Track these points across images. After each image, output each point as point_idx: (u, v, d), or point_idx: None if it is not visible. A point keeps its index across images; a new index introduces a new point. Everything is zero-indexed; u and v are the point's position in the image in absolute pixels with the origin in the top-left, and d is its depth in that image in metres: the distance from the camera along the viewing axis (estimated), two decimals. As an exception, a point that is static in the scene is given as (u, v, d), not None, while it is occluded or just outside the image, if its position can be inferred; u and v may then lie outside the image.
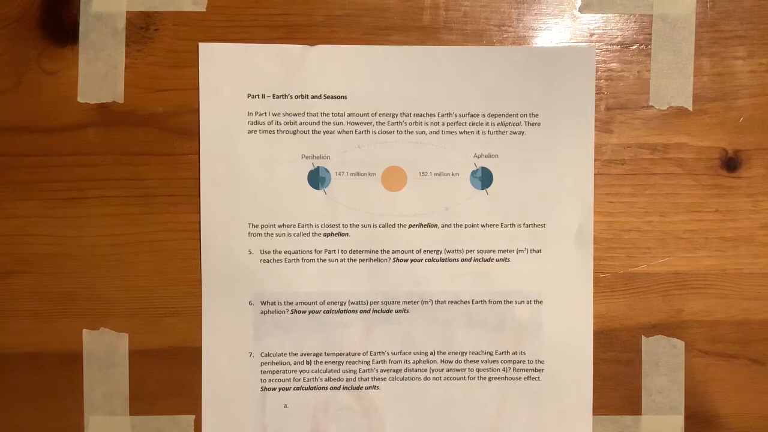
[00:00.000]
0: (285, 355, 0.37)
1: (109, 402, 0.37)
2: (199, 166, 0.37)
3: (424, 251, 0.37)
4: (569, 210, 0.37)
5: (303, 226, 0.37)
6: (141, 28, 0.36)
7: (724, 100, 0.37)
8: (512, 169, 0.37)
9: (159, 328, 0.37)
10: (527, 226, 0.37)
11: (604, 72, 0.37)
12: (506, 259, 0.37)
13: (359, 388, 0.38)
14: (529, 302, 0.37)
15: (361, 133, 0.37)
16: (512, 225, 0.37)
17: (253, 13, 0.37)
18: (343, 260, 0.37)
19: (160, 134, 0.37)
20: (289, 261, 0.37)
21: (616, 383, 0.38)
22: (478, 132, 0.37)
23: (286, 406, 0.37)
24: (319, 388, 0.38)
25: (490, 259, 0.37)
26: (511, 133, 0.37)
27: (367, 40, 0.37)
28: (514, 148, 0.37)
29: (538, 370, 0.38)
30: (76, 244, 0.37)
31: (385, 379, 0.38)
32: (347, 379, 0.38)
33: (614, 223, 0.38)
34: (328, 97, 0.37)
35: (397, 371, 0.38)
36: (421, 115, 0.37)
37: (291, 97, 0.37)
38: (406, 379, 0.38)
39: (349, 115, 0.37)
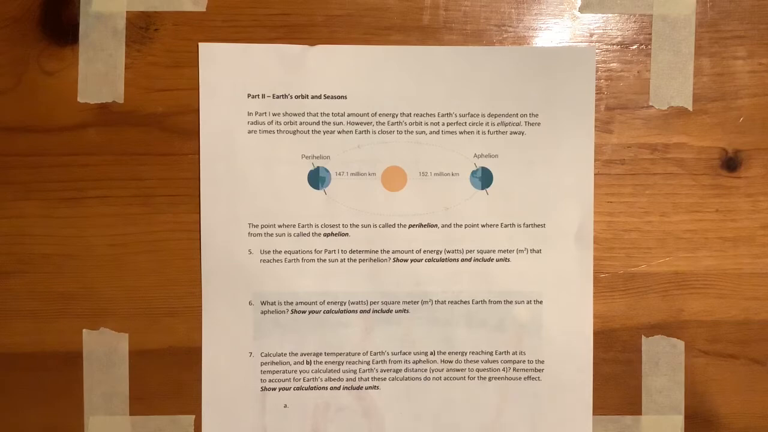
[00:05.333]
0: (285, 355, 0.37)
1: (109, 402, 0.37)
2: (199, 166, 0.37)
3: (424, 251, 0.37)
4: (569, 210, 0.37)
5: (303, 226, 0.37)
6: (141, 28, 0.36)
7: (724, 100, 0.37)
8: (512, 169, 0.37)
9: (159, 328, 0.37)
10: (527, 226, 0.37)
11: (604, 72, 0.37)
12: (506, 259, 0.37)
13: (359, 388, 0.38)
14: (529, 302, 0.37)
15: (361, 133, 0.37)
16: (512, 225, 0.37)
17: (253, 13, 0.37)
18: (343, 260, 0.37)
19: (160, 134, 0.37)
20: (289, 261, 0.37)
21: (616, 383, 0.38)
22: (478, 132, 0.37)
23: (286, 406, 0.37)
24: (319, 388, 0.38)
25: (490, 259, 0.37)
26: (511, 133, 0.37)
27: (367, 40, 0.37)
28: (514, 148, 0.37)
29: (538, 370, 0.38)
30: (76, 244, 0.37)
31: (385, 379, 0.38)
32: (347, 379, 0.38)
33: (614, 223, 0.38)
34: (328, 97, 0.37)
35: (397, 371, 0.38)
36: (421, 115, 0.37)
37: (291, 97, 0.37)
38: (406, 379, 0.38)
39: (349, 115, 0.37)
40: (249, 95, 0.37)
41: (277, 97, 0.37)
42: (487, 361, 0.38)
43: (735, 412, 0.38)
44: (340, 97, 0.37)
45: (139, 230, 0.37)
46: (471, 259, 0.37)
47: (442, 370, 0.38)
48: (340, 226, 0.37)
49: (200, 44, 0.36)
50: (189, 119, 0.37)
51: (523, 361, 0.38)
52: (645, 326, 0.38)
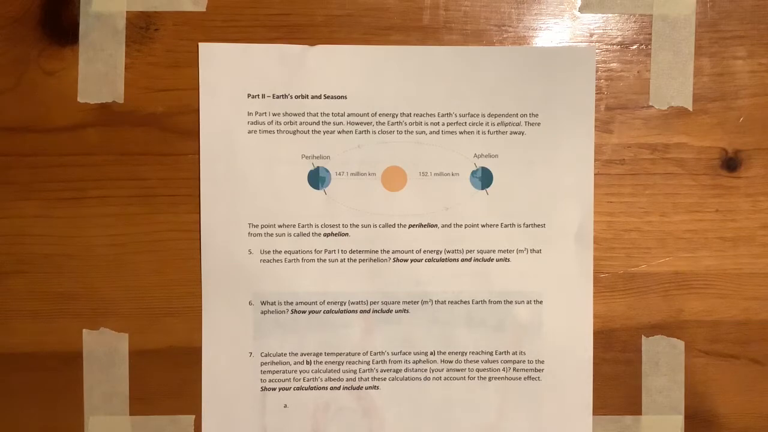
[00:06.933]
0: (285, 355, 0.37)
1: (109, 402, 0.37)
2: (199, 166, 0.37)
3: (424, 251, 0.37)
4: (569, 210, 0.37)
5: (303, 226, 0.37)
6: (141, 28, 0.36)
7: (724, 100, 0.37)
8: (512, 169, 0.37)
9: (159, 328, 0.37)
10: (527, 226, 0.37)
11: (604, 72, 0.37)
12: (506, 259, 0.37)
13: (359, 388, 0.38)
14: (529, 302, 0.37)
15: (361, 133, 0.37)
16: (512, 225, 0.37)
17: (253, 13, 0.37)
18: (343, 260, 0.37)
19: (160, 134, 0.37)
20: (289, 261, 0.37)
21: (616, 383, 0.38)
22: (478, 132, 0.37)
23: (286, 406, 0.37)
24: (319, 388, 0.38)
25: (490, 259, 0.37)
26: (511, 133, 0.37)
27: (367, 40, 0.37)
28: (514, 148, 0.37)
29: (538, 370, 0.38)
30: (76, 244, 0.37)
31: (385, 379, 0.38)
32: (347, 379, 0.38)
33: (614, 223, 0.38)
34: (328, 97, 0.37)
35: (397, 371, 0.38)
36: (421, 115, 0.37)
37: (291, 97, 0.37)
38: (406, 379, 0.38)
39: (349, 115, 0.37)
40: (249, 95, 0.37)
41: (277, 97, 0.37)
42: (487, 361, 0.38)
43: (735, 412, 0.38)
44: (340, 97, 0.37)
45: (139, 230, 0.37)
46: (471, 259, 0.37)
47: (442, 370, 0.38)
48: (340, 226, 0.37)
49: (200, 44, 0.36)
50: (189, 119, 0.37)
51: (523, 361, 0.38)
52: (645, 326, 0.38)
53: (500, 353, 0.38)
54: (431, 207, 0.37)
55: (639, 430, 0.38)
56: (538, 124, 0.37)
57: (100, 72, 0.36)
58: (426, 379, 0.38)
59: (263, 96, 0.37)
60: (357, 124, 0.37)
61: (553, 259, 0.37)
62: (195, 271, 0.37)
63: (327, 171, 0.37)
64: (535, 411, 0.38)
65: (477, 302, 0.37)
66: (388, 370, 0.38)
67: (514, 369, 0.38)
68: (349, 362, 0.37)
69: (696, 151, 0.37)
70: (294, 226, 0.37)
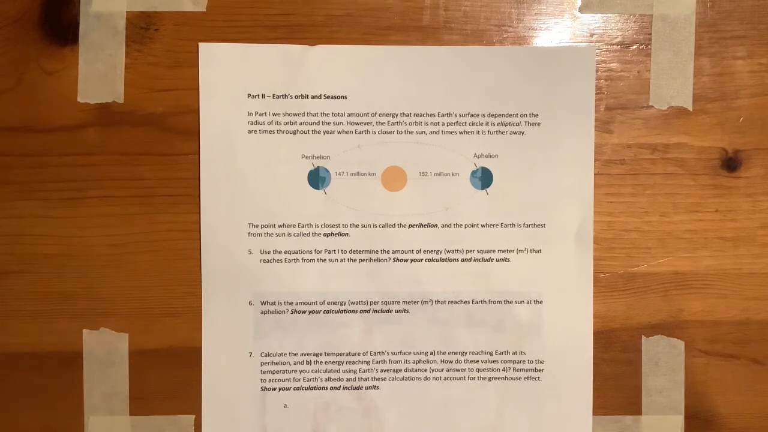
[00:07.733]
0: (285, 355, 0.37)
1: (109, 402, 0.37)
2: (199, 166, 0.37)
3: (424, 251, 0.37)
4: (569, 210, 0.37)
5: (303, 226, 0.37)
6: (141, 28, 0.36)
7: (724, 100, 0.37)
8: (512, 169, 0.37)
9: (159, 328, 0.37)
10: (527, 226, 0.37)
11: (604, 72, 0.37)
12: (506, 259, 0.37)
13: (359, 388, 0.38)
14: (529, 302, 0.37)
15: (361, 133, 0.37)
16: (512, 225, 0.37)
17: (253, 13, 0.37)
18: (343, 260, 0.37)
19: (160, 134, 0.37)
20: (289, 261, 0.37)
21: (616, 383, 0.38)
22: (478, 132, 0.37)
23: (286, 406, 0.37)
24: (319, 388, 0.38)
25: (490, 259, 0.37)
26: (511, 133, 0.37)
27: (367, 40, 0.37)
28: (514, 148, 0.37)
29: (538, 370, 0.38)
30: (76, 244, 0.37)
31: (385, 379, 0.38)
32: (347, 379, 0.38)
33: (614, 223, 0.38)
34: (328, 97, 0.37)
35: (397, 371, 0.38)
36: (421, 115, 0.37)
37: (291, 97, 0.37)
38: (406, 379, 0.38)
39: (349, 115, 0.37)
40: (249, 95, 0.37)
41: (277, 97, 0.37)
42: (487, 361, 0.38)
43: (735, 412, 0.38)
44: (340, 97, 0.37)
45: (139, 230, 0.37)
46: (471, 259, 0.37)
47: (442, 370, 0.38)
48: (340, 226, 0.37)
49: (200, 44, 0.36)
50: (189, 119, 0.37)
51: (523, 361, 0.38)
52: (645, 326, 0.38)
53: (500, 353, 0.38)
54: (431, 207, 0.37)
55: (639, 430, 0.38)
56: (538, 124, 0.37)
57: (100, 72, 0.36)
58: (426, 379, 0.38)
59: (263, 96, 0.37)
60: (357, 124, 0.37)
61: (553, 259, 0.37)
62: (195, 271, 0.37)
63: (327, 171, 0.37)
64: (535, 411, 0.38)
65: (477, 302, 0.37)
66: (388, 370, 0.38)
67: (514, 369, 0.38)
68: (349, 362, 0.37)
69: (696, 151, 0.37)
70: (294, 226, 0.37)
